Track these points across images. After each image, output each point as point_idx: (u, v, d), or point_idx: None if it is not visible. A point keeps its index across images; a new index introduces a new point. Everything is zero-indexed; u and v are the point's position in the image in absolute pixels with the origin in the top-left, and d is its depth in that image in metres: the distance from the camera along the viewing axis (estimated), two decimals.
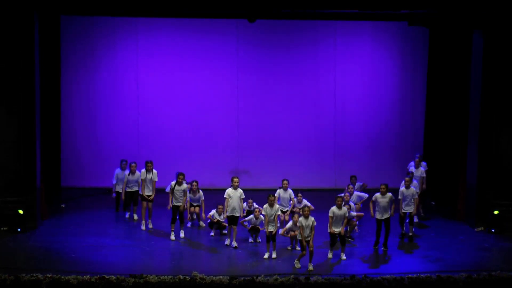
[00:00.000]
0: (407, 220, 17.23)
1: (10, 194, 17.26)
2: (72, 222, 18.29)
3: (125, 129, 21.81)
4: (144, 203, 17.95)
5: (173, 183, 17.09)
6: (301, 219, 15.40)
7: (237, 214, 16.66)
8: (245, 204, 17.26)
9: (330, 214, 15.91)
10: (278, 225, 16.43)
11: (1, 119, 17.22)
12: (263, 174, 21.61)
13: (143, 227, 17.93)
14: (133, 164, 18.45)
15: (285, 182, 17.58)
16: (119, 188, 18.86)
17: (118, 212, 19.24)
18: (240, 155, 22.15)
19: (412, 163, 19.07)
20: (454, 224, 18.73)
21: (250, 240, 17.00)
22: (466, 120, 18.70)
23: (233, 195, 16.63)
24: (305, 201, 17.19)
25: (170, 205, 17.09)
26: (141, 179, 17.89)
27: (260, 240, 16.88)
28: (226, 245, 16.62)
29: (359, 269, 15.14)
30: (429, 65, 21.52)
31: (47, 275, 14.08)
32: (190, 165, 20.60)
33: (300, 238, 15.35)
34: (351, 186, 18.07)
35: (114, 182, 19.02)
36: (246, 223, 17.01)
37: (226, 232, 17.26)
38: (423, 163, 19.16)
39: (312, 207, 16.40)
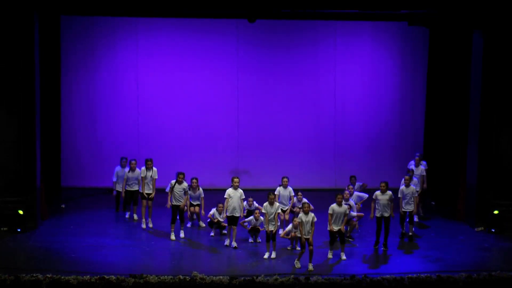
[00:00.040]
0: (407, 220, 17.23)
1: (10, 194, 17.25)
2: (72, 222, 18.29)
3: (125, 129, 21.81)
4: (144, 202, 17.99)
5: (173, 182, 17.10)
6: (301, 215, 15.42)
7: (237, 215, 16.67)
8: (245, 202, 17.27)
9: (330, 211, 15.92)
10: (279, 223, 16.44)
11: (1, 119, 17.22)
12: (263, 174, 21.61)
13: (144, 226, 17.96)
14: (133, 162, 18.46)
15: (285, 179, 17.60)
16: (119, 187, 18.87)
17: (118, 212, 19.24)
18: (240, 155, 22.15)
19: (412, 162, 19.09)
20: (454, 224, 18.73)
21: (250, 240, 17.00)
22: (466, 120, 18.70)
23: (233, 195, 16.64)
24: (305, 200, 17.20)
25: (169, 203, 17.10)
26: (141, 177, 17.94)
27: (260, 240, 16.88)
28: (226, 245, 16.62)
29: (359, 269, 15.14)
30: (429, 65, 21.52)
31: (47, 275, 14.08)
32: (190, 165, 20.59)
33: (299, 235, 15.36)
34: (351, 187, 18.07)
35: (115, 179, 19.04)
36: (246, 224, 17.01)
37: (226, 232, 17.26)
38: (423, 162, 19.18)
39: (312, 207, 16.38)
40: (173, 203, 17.06)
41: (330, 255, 15.98)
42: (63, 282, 13.95)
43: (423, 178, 18.79)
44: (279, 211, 16.22)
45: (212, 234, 17.45)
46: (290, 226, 16.27)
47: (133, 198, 18.56)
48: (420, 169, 18.79)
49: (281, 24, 21.50)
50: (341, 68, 22.09)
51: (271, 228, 15.95)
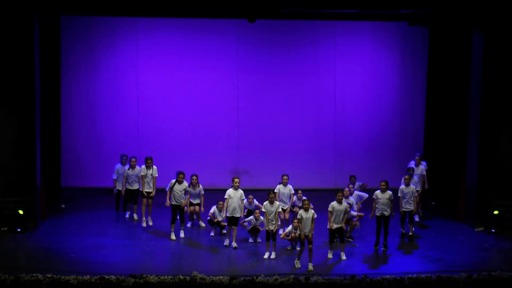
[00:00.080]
0: (407, 219, 17.23)
1: (10, 194, 17.25)
2: (72, 222, 18.29)
3: (125, 129, 21.82)
4: (144, 200, 18.04)
5: (173, 181, 17.10)
6: (301, 211, 15.44)
7: (238, 215, 16.67)
8: (245, 200, 17.28)
9: (330, 208, 15.93)
10: (279, 223, 16.43)
11: (1, 119, 17.22)
12: (263, 174, 21.61)
13: (144, 224, 17.99)
14: (133, 159, 18.48)
15: (285, 177, 17.63)
16: (119, 185, 18.88)
17: (118, 212, 19.24)
18: (240, 155, 22.15)
19: (412, 162, 19.07)
20: (454, 224, 18.73)
21: (250, 240, 17.00)
22: (466, 120, 18.70)
23: (234, 196, 16.65)
24: (305, 198, 17.22)
25: (168, 202, 17.10)
26: (141, 175, 17.96)
27: (260, 240, 16.89)
28: (225, 245, 16.62)
29: (359, 269, 15.14)
30: (429, 65, 21.52)
31: (47, 275, 14.08)
32: (190, 165, 20.57)
33: (299, 232, 15.37)
34: (351, 186, 18.08)
35: (115, 177, 19.06)
36: (246, 224, 17.01)
37: (225, 232, 17.26)
38: (423, 163, 19.17)
39: (311, 206, 16.38)
40: (173, 203, 17.06)
41: (330, 255, 15.98)
42: (63, 282, 13.95)
43: (424, 178, 18.79)
44: (280, 210, 16.22)
45: (212, 234, 17.45)
46: (290, 227, 16.27)
47: (133, 197, 18.57)
48: (421, 169, 18.80)
49: (281, 24, 21.50)
50: (341, 68, 22.09)
51: (271, 227, 15.95)
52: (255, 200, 17.62)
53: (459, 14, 18.24)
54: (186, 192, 17.14)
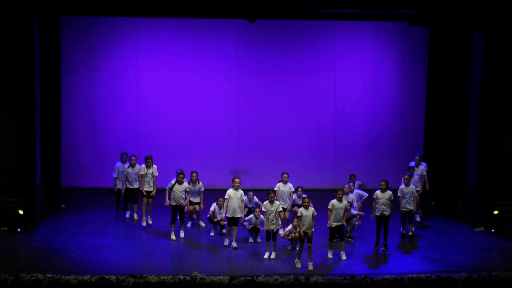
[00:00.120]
0: (407, 219, 17.22)
1: (10, 194, 17.25)
2: (72, 222, 18.29)
3: (125, 129, 21.82)
4: (145, 200, 18.08)
5: (173, 182, 17.10)
6: (301, 209, 15.45)
7: (238, 215, 16.68)
8: (245, 197, 17.29)
9: (330, 206, 15.94)
10: (280, 222, 16.42)
11: (1, 119, 17.22)
12: (263, 174, 21.60)
13: (144, 223, 18.01)
14: (133, 158, 18.49)
15: (285, 175, 17.67)
16: (119, 183, 18.88)
17: (119, 212, 19.23)
18: (240, 155, 22.15)
19: (412, 163, 19.05)
20: (454, 224, 18.73)
21: (250, 240, 17.00)
22: (466, 120, 18.70)
23: (234, 196, 16.66)
24: (305, 196, 17.24)
25: (168, 201, 17.10)
26: (141, 174, 17.98)
27: (260, 240, 16.89)
28: (225, 245, 16.62)
29: (359, 269, 15.14)
30: (429, 65, 21.51)
31: (47, 275, 14.08)
32: (190, 165, 20.49)
33: (299, 230, 15.38)
34: (351, 184, 18.08)
35: (115, 175, 19.07)
36: (246, 223, 17.01)
37: (225, 232, 17.26)
38: (423, 163, 19.16)
39: (311, 205, 16.38)
40: (173, 204, 17.06)
41: (330, 255, 15.98)
42: (63, 282, 13.95)
43: (424, 179, 18.76)
44: (280, 209, 16.22)
45: (212, 234, 17.45)
46: (290, 227, 16.28)
47: (133, 196, 18.58)
48: (421, 169, 18.79)
49: (281, 24, 21.49)
50: (341, 68, 22.09)
51: (272, 227, 15.95)
52: (255, 197, 17.64)
53: (459, 14, 18.24)
54: (186, 192, 17.14)
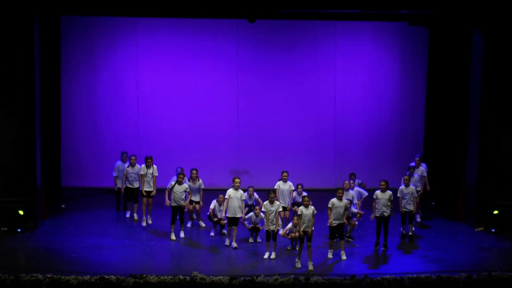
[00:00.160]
0: (407, 220, 17.22)
1: (10, 194, 17.25)
2: (72, 222, 18.29)
3: (125, 129, 21.82)
4: (145, 200, 18.09)
5: (173, 183, 17.10)
6: (301, 208, 15.45)
7: (238, 215, 16.68)
8: (245, 194, 17.30)
9: (330, 205, 15.94)
10: (280, 222, 16.40)
11: (1, 119, 17.22)
12: (263, 174, 21.59)
13: (144, 223, 18.01)
14: (133, 157, 18.50)
15: (285, 174, 17.72)
16: (119, 183, 18.89)
17: (119, 212, 19.23)
18: (240, 155, 22.15)
19: (413, 164, 19.03)
20: (454, 224, 18.73)
21: (250, 240, 17.00)
22: (466, 120, 18.70)
23: (234, 196, 16.66)
24: (305, 194, 17.26)
25: (168, 201, 17.09)
26: (141, 174, 17.99)
27: (260, 240, 16.89)
28: (226, 245, 16.62)
29: (359, 269, 15.14)
30: (429, 65, 21.52)
31: (47, 275, 14.08)
32: (190, 165, 20.43)
33: (299, 228, 15.38)
34: (351, 181, 18.08)
35: (115, 174, 19.08)
36: (246, 223, 17.00)
37: (225, 232, 17.26)
38: (423, 164, 19.15)
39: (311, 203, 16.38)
40: (173, 205, 17.04)
41: (330, 255, 15.98)
42: (63, 282, 13.95)
43: (425, 180, 18.73)
44: (280, 209, 16.22)
45: (212, 234, 17.44)
46: (290, 225, 16.27)
47: (133, 196, 18.58)
48: (421, 170, 18.77)
49: (281, 24, 21.50)
50: (341, 68, 22.09)
51: (272, 227, 15.95)
52: (255, 193, 17.64)
53: (459, 14, 18.24)
54: (186, 193, 17.13)
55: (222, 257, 16.09)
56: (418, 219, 18.65)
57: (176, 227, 17.17)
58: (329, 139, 22.31)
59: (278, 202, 16.25)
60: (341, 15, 19.61)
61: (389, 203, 16.56)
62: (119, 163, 19.11)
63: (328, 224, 16.01)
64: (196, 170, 17.86)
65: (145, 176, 18.08)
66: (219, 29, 21.59)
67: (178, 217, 17.11)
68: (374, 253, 16.44)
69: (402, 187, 17.21)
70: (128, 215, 18.81)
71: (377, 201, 16.61)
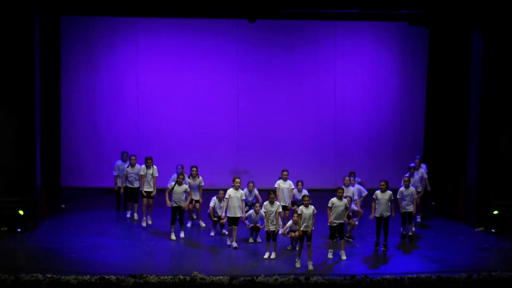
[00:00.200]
0: (407, 220, 17.22)
1: (10, 194, 17.25)
2: (72, 222, 18.29)
3: (125, 129, 21.82)
4: (145, 200, 18.09)
5: (173, 183, 17.10)
6: (302, 207, 15.44)
7: (238, 215, 16.69)
8: (245, 189, 17.28)
9: (330, 204, 15.93)
10: (280, 222, 16.39)
11: (1, 119, 17.22)
12: (263, 174, 21.56)
13: (144, 224, 18.01)
14: (133, 157, 18.51)
15: (285, 172, 17.75)
16: (119, 183, 18.89)
17: (119, 212, 19.23)
18: (240, 155, 22.15)
19: (413, 165, 19.01)
20: (454, 224, 18.73)
21: (250, 240, 17.00)
22: (466, 120, 18.70)
23: (234, 196, 16.67)
24: (305, 191, 17.29)
25: (169, 202, 17.08)
26: (141, 175, 18.00)
27: (260, 240, 16.89)
28: (228, 245, 16.62)
29: (359, 269, 15.14)
30: (429, 65, 21.52)
31: (47, 275, 14.08)
32: (190, 165, 20.57)
33: (299, 228, 15.38)
34: (352, 179, 18.06)
35: (115, 173, 19.08)
36: (246, 222, 17.00)
37: (226, 231, 17.26)
38: (423, 165, 19.14)
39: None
40: (173, 205, 17.04)
41: (330, 255, 15.98)
42: (63, 282, 13.95)
43: (425, 181, 18.70)
44: (280, 210, 16.21)
45: (212, 234, 17.44)
46: (290, 222, 16.26)
47: (133, 196, 18.58)
48: (421, 172, 18.75)
49: (281, 24, 21.50)
50: (341, 68, 22.09)
51: (272, 228, 15.95)
52: (255, 189, 17.63)
53: (459, 14, 18.24)
54: (186, 193, 17.13)
55: (222, 257, 16.09)
56: (418, 219, 18.64)
57: (176, 227, 17.16)
58: (329, 139, 22.31)
59: (278, 203, 16.24)
60: (341, 15, 19.62)
61: (389, 203, 16.55)
62: (119, 162, 19.12)
63: (328, 224, 16.01)
64: (196, 167, 17.90)
65: (145, 176, 18.08)
66: (219, 29, 21.59)
67: (178, 217, 17.10)
68: (374, 253, 16.44)
69: (402, 188, 17.20)
70: (128, 215, 18.82)
71: (376, 201, 16.61)
